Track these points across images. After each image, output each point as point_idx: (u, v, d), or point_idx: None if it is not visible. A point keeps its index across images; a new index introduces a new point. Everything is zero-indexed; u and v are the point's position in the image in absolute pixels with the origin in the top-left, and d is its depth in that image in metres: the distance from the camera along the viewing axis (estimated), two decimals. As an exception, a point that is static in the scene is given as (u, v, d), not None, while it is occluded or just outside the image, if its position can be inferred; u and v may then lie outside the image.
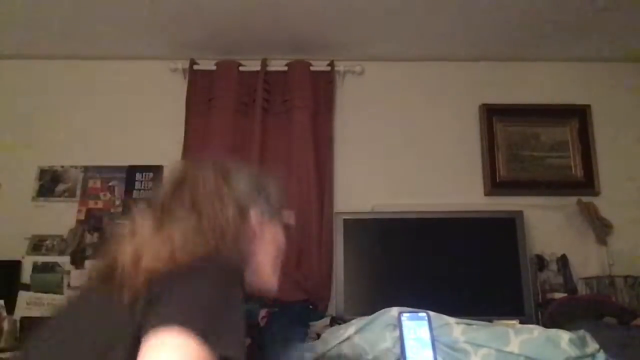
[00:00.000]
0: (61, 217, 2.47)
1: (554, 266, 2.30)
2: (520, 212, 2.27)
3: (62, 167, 2.56)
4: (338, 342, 1.25)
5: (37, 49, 2.62)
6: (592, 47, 2.57)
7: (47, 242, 2.42)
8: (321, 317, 2.06)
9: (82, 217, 2.48)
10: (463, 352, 1.20)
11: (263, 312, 2.09)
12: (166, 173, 2.51)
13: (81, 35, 2.50)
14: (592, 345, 1.20)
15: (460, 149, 2.58)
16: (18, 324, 1.99)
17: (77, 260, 2.14)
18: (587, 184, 2.49)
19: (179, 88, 2.61)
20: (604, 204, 2.45)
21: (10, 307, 2.04)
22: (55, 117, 2.64)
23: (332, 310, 2.24)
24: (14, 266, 2.33)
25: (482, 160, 2.54)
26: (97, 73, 2.69)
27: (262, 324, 2.01)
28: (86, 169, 2.55)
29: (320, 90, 2.59)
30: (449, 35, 2.48)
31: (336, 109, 2.60)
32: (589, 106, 2.59)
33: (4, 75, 2.69)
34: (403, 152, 2.57)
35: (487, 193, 2.50)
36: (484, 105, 2.60)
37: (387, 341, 1.23)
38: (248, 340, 1.87)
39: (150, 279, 0.79)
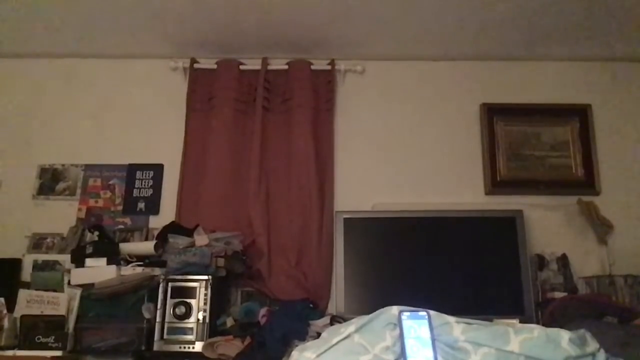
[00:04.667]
0: (61, 215, 2.48)
1: (554, 265, 2.30)
2: (521, 212, 2.27)
3: (63, 165, 2.56)
4: (338, 340, 1.25)
5: (37, 47, 2.62)
6: (592, 47, 2.57)
7: (48, 240, 2.42)
8: (321, 316, 2.06)
9: (82, 215, 2.49)
10: (463, 351, 1.19)
11: (263, 311, 2.09)
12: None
13: (82, 34, 2.50)
14: (593, 345, 1.20)
15: (461, 148, 2.58)
16: (18, 322, 1.99)
17: (77, 259, 2.14)
18: (587, 183, 2.50)
19: (180, 87, 2.62)
20: (604, 204, 2.46)
21: (11, 305, 2.04)
22: (55, 116, 2.64)
23: (332, 309, 2.25)
24: (15, 264, 2.33)
25: (482, 160, 2.55)
26: (97, 72, 2.69)
27: (262, 322, 2.01)
28: (86, 167, 2.56)
29: (321, 89, 2.59)
30: (450, 35, 2.48)
31: (337, 108, 2.60)
32: (589, 106, 2.60)
33: (4, 74, 2.69)
34: (403, 151, 2.57)
35: (488, 192, 2.50)
36: (485, 104, 2.60)
37: (387, 340, 1.23)
38: (249, 339, 1.87)
39: None
